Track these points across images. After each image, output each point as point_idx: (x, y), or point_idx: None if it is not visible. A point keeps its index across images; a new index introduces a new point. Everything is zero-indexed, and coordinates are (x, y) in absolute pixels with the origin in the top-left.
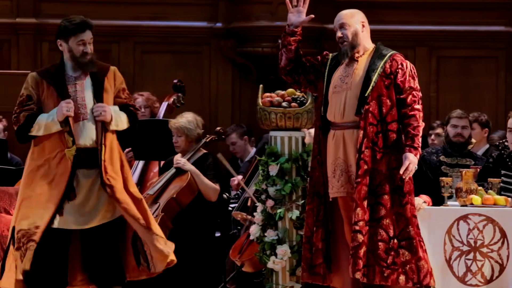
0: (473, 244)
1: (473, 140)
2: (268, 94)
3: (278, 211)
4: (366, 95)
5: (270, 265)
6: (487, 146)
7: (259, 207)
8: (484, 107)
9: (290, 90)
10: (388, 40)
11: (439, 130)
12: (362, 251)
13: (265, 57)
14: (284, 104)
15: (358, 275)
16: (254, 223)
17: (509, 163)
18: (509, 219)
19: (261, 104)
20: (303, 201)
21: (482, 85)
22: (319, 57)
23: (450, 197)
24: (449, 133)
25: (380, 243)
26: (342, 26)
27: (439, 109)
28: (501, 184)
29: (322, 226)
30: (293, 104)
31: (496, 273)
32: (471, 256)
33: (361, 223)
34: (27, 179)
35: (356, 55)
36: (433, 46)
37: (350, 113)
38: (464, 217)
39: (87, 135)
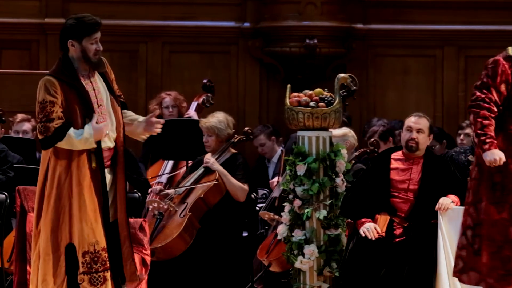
0: None
1: None
2: (295, 94)
3: (306, 211)
4: None
5: (297, 265)
6: None
7: (287, 207)
8: None
9: (317, 90)
10: (417, 40)
11: (468, 130)
12: None
13: (293, 57)
14: (311, 104)
15: None
16: (282, 223)
17: None
18: None
19: (288, 104)
20: (330, 201)
21: None
22: (501, 69)
23: None
24: None
25: None
26: None
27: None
28: None
29: None
30: (320, 104)
31: None
32: None
33: None
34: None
35: None
36: (461, 45)
37: None
38: None
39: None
